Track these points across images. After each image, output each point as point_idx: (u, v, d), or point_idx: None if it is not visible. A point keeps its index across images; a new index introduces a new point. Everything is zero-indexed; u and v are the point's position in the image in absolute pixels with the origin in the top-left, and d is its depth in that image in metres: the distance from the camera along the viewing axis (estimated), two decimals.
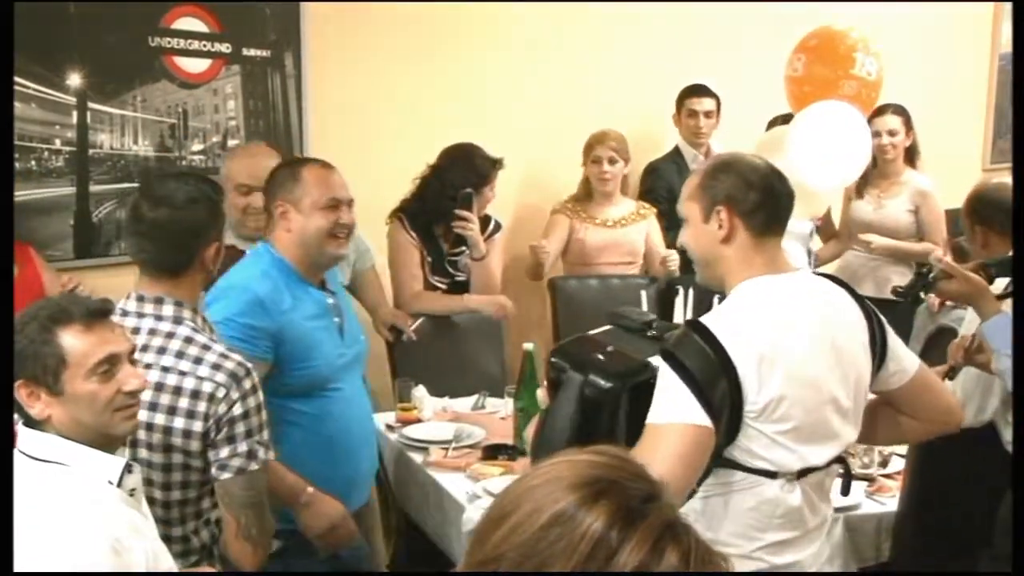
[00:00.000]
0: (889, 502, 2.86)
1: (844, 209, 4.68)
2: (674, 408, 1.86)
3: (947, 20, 5.45)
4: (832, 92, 4.03)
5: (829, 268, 4.74)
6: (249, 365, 2.17)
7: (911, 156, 4.51)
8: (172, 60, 3.91)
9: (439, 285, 3.88)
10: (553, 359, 2.05)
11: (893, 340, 2.11)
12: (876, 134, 4.42)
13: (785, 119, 4.52)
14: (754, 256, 2.02)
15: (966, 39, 5.59)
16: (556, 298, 4.22)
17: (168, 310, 2.19)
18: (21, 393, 1.77)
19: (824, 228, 4.81)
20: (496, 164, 3.89)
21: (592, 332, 2.16)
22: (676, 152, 4.72)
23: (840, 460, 2.07)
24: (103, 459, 1.78)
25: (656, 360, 1.94)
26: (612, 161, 4.24)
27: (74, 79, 3.73)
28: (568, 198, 4.38)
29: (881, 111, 4.42)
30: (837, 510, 2.78)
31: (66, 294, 2.27)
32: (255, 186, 3.09)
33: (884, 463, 3.02)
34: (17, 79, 3.48)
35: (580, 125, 4.39)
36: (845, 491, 2.17)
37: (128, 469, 1.79)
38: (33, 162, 3.68)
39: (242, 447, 2.13)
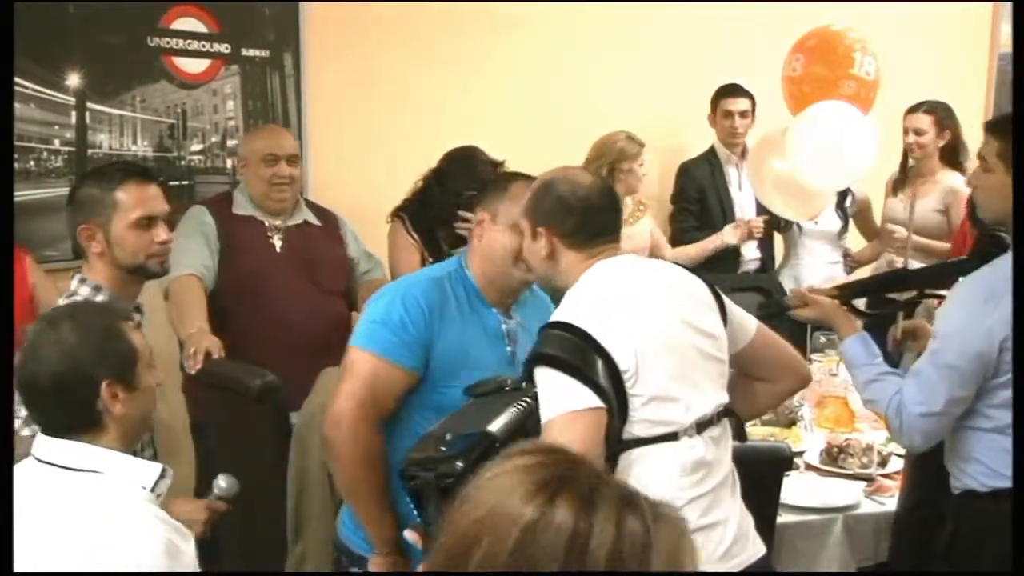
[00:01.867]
0: (888, 502, 2.86)
1: (884, 208, 4.64)
2: (561, 399, 1.93)
3: (946, 20, 5.45)
4: (831, 92, 4.03)
5: (867, 269, 4.71)
6: None
7: (950, 155, 4.39)
8: (171, 60, 3.92)
9: None
10: (405, 473, 1.99)
11: (729, 303, 2.21)
12: (905, 131, 4.40)
13: (925, 108, 4.44)
14: (581, 263, 2.11)
15: (965, 39, 5.59)
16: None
17: (73, 285, 2.33)
18: (107, 394, 1.75)
19: (865, 228, 4.79)
20: (498, 167, 3.89)
21: (438, 423, 2.11)
22: (711, 152, 4.72)
23: (728, 413, 2.14)
24: (140, 465, 1.79)
25: (498, 421, 1.97)
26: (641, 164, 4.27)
27: (73, 79, 3.73)
28: None
29: (915, 108, 4.37)
30: (836, 510, 2.80)
31: (77, 300, 2.27)
32: (281, 155, 3.35)
33: (883, 463, 3.02)
34: (16, 79, 3.48)
35: (582, 125, 4.39)
36: (740, 437, 2.22)
37: (163, 474, 1.78)
38: (32, 162, 3.68)
39: None
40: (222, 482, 2.18)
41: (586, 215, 2.10)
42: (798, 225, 4.65)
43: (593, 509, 1.07)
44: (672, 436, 2.00)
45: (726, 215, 4.62)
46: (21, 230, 3.17)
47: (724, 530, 2.04)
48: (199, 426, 3.37)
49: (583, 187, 2.14)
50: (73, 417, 1.76)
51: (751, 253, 4.64)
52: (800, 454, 3.10)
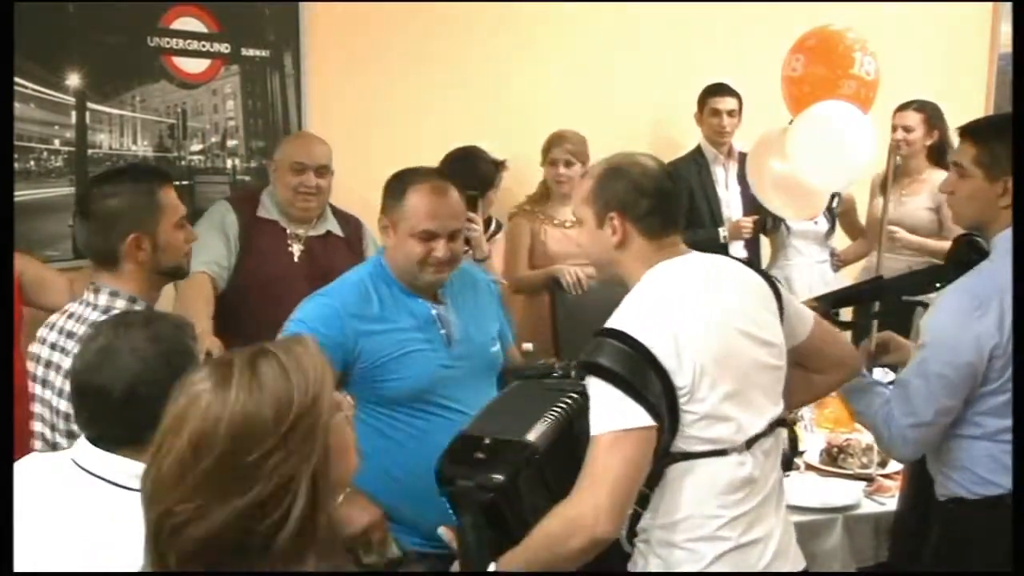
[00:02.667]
0: (888, 502, 2.86)
1: (868, 207, 4.65)
2: (612, 416, 1.85)
3: (947, 20, 5.45)
4: (832, 92, 4.03)
5: (855, 268, 4.73)
6: None
7: (938, 154, 4.43)
8: (171, 60, 3.92)
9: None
10: (442, 476, 1.98)
11: (787, 296, 2.16)
12: (893, 128, 4.41)
13: (915, 106, 4.46)
14: (650, 256, 2.03)
15: (965, 39, 5.59)
16: (555, 299, 4.22)
17: (102, 299, 2.24)
18: None
19: (850, 227, 4.80)
20: (499, 166, 3.90)
21: (475, 419, 2.10)
22: (698, 151, 4.72)
23: (781, 423, 2.09)
24: None
25: (537, 429, 1.94)
26: (568, 163, 4.24)
27: (73, 79, 3.73)
28: (526, 199, 4.37)
29: (903, 107, 4.39)
30: (836, 510, 2.80)
31: (150, 310, 2.24)
32: (309, 164, 3.40)
33: (883, 463, 3.02)
34: (16, 79, 3.48)
35: (583, 125, 4.39)
36: (792, 451, 2.26)
37: None
38: (32, 162, 3.68)
39: None
40: None
41: (659, 198, 2.03)
42: (786, 226, 4.66)
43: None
44: (721, 452, 1.95)
45: (713, 214, 4.63)
46: (21, 230, 3.18)
47: (764, 547, 2.00)
48: None
49: (653, 170, 2.08)
50: (134, 430, 1.63)
51: (738, 253, 4.65)
52: (800, 454, 3.10)
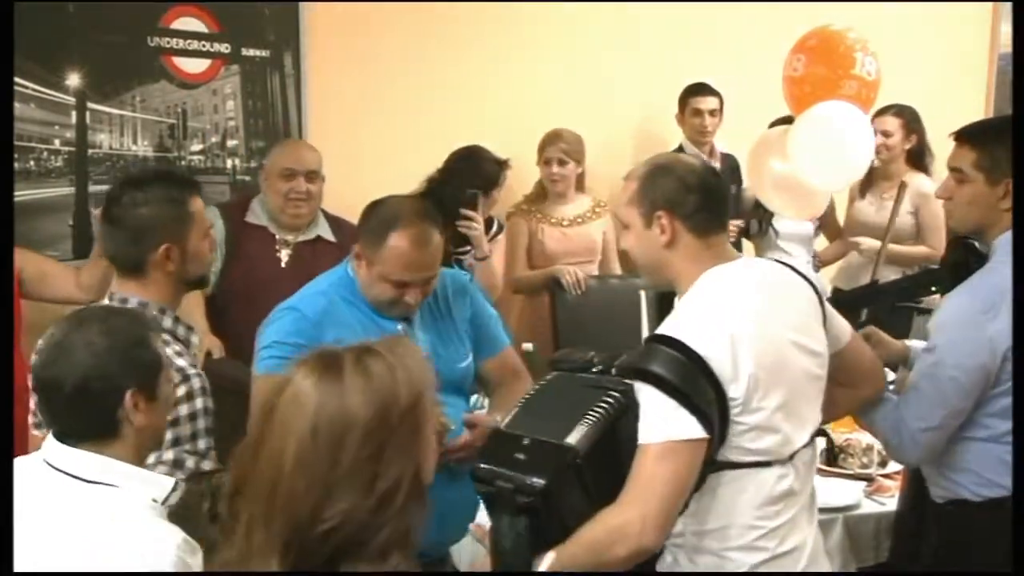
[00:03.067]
0: (888, 502, 2.86)
1: (848, 210, 4.67)
2: (663, 425, 1.82)
3: (946, 20, 5.45)
4: (833, 92, 4.02)
5: (832, 268, 4.74)
6: (192, 371, 2.10)
7: (915, 158, 4.47)
8: (171, 60, 3.92)
9: None
10: (479, 476, 1.96)
11: (829, 306, 2.14)
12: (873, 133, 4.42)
13: (787, 122, 4.52)
14: (700, 254, 2.00)
15: (965, 39, 5.59)
16: (555, 298, 4.22)
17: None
18: (130, 403, 1.69)
19: (828, 228, 4.81)
20: (503, 166, 3.91)
21: (513, 415, 2.06)
22: (680, 151, 4.72)
23: (820, 432, 2.09)
24: (153, 478, 1.75)
25: (578, 431, 1.90)
26: (561, 162, 4.25)
27: (73, 79, 3.73)
28: (524, 198, 4.38)
29: (882, 111, 4.41)
30: (836, 510, 2.80)
31: (107, 305, 2.20)
32: (299, 170, 3.40)
33: (883, 463, 3.02)
34: (16, 79, 3.48)
35: (584, 125, 4.39)
36: (830, 461, 2.20)
37: (175, 487, 1.75)
38: (32, 162, 3.68)
39: (167, 455, 2.03)
40: None
41: (706, 195, 2.00)
42: (774, 229, 4.67)
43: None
44: (765, 464, 1.93)
45: None
46: (21, 230, 3.18)
47: (799, 556, 1.99)
48: None
49: (698, 167, 2.06)
50: (92, 424, 1.70)
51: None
52: None
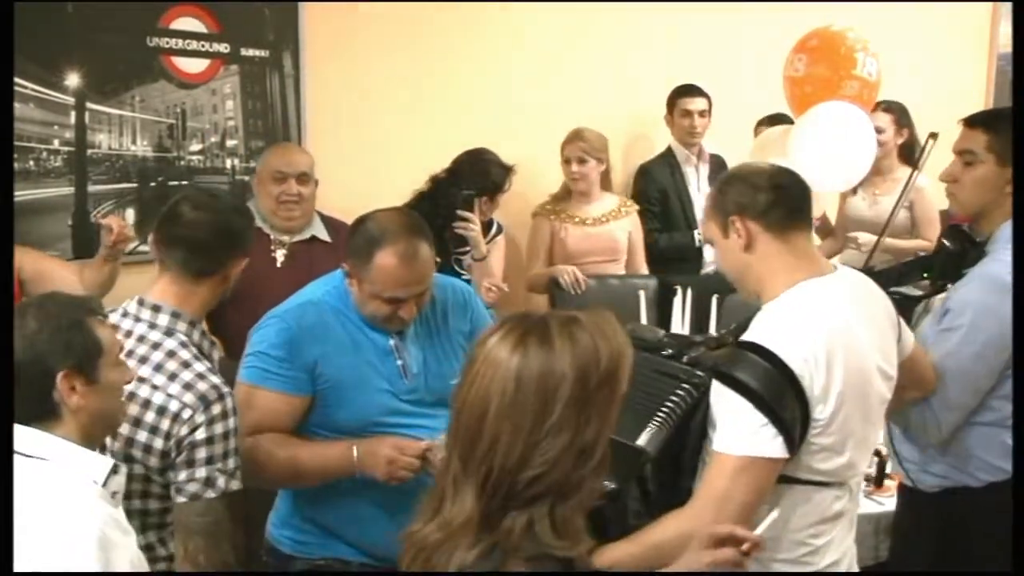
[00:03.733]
0: (888, 502, 2.85)
1: (840, 206, 4.67)
2: (747, 439, 1.80)
3: (946, 20, 5.45)
4: (834, 92, 4.02)
5: None
6: (225, 389, 2.10)
7: (907, 153, 4.48)
8: (170, 60, 3.91)
9: None
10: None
11: (900, 318, 2.14)
12: None
13: (772, 120, 4.52)
14: (783, 256, 1.97)
15: (965, 39, 5.59)
16: (555, 298, 4.22)
17: (163, 319, 2.16)
18: (63, 385, 1.74)
19: (821, 226, 4.82)
20: (509, 171, 3.92)
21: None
22: (669, 152, 4.73)
23: (875, 453, 2.11)
24: (90, 457, 1.77)
25: (649, 431, 1.89)
26: (581, 161, 4.26)
27: (72, 79, 3.72)
28: (549, 197, 4.40)
29: (873, 108, 4.42)
30: None
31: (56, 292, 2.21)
32: (290, 173, 3.42)
33: (883, 463, 3.01)
34: (16, 79, 3.48)
35: (582, 125, 4.39)
36: (879, 483, 2.24)
37: (114, 470, 1.76)
38: (32, 162, 3.68)
39: (200, 472, 2.04)
40: None
41: (776, 192, 1.98)
42: None
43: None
44: (824, 484, 1.93)
45: (687, 216, 4.62)
46: (21, 230, 3.18)
47: (839, 567, 2.00)
48: None
49: (766, 168, 2.06)
50: (32, 406, 1.74)
51: (713, 255, 4.65)
52: None
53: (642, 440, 1.87)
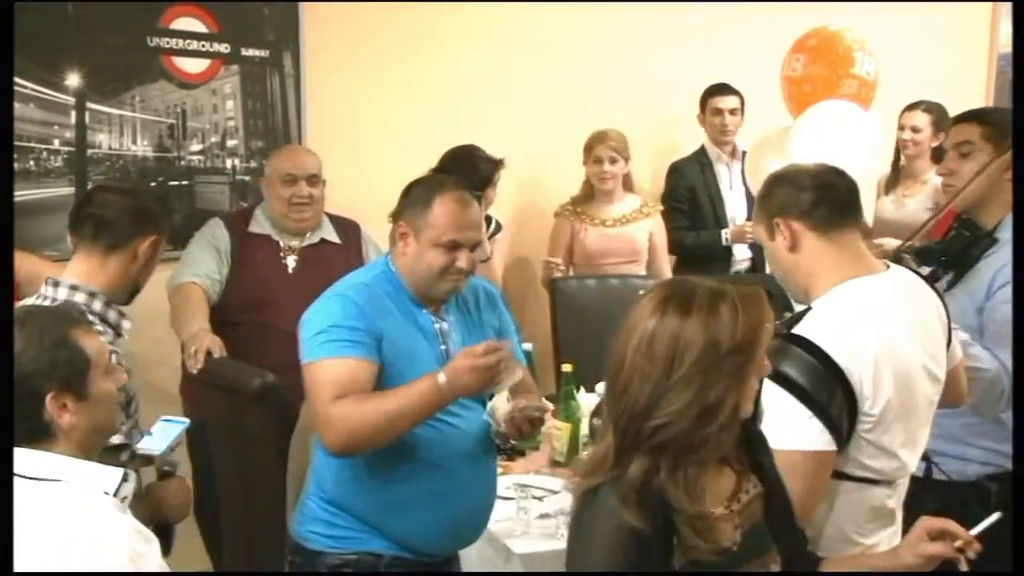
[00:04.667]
0: None
1: (875, 207, 4.65)
2: (797, 434, 1.80)
3: (946, 20, 5.45)
4: (832, 91, 4.03)
5: None
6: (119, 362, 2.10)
7: (940, 158, 4.45)
8: (171, 60, 3.91)
9: None
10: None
11: (954, 329, 2.13)
12: (901, 128, 4.40)
13: (923, 107, 4.44)
14: (830, 255, 1.97)
15: (965, 39, 5.58)
16: (555, 299, 4.22)
17: (61, 292, 2.24)
18: (52, 406, 1.69)
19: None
20: (498, 165, 3.90)
21: None
22: (701, 152, 4.72)
23: (923, 456, 2.08)
24: (100, 470, 1.74)
25: None
26: (612, 160, 4.25)
27: (73, 79, 3.72)
28: (570, 199, 4.40)
29: (913, 106, 4.39)
30: None
31: (33, 304, 2.21)
32: (299, 175, 3.42)
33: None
34: (16, 79, 3.48)
35: (582, 125, 4.39)
36: (928, 481, 2.22)
37: (124, 478, 1.75)
38: (32, 162, 3.68)
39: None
40: (168, 458, 2.22)
41: (820, 191, 1.98)
42: None
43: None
44: (873, 482, 1.92)
45: (717, 215, 4.63)
46: (21, 230, 3.17)
47: None
48: (197, 425, 3.36)
49: (810, 168, 2.06)
50: (26, 428, 1.70)
51: (742, 253, 4.65)
52: None
53: None
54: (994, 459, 2.46)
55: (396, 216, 2.41)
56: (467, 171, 3.79)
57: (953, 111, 4.42)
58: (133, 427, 2.24)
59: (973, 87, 5.61)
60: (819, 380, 1.80)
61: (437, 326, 2.40)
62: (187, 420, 2.29)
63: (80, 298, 2.24)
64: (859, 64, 4.05)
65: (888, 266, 2.07)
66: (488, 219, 3.97)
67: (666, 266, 4.45)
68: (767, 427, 1.81)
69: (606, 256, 4.30)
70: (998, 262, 2.42)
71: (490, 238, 3.94)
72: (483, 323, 2.51)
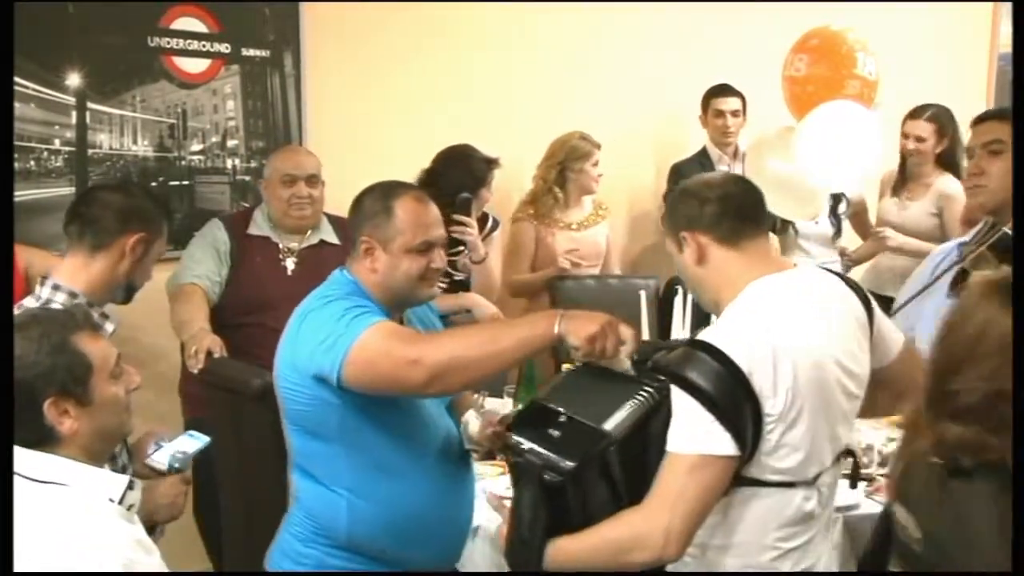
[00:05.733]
0: None
1: (879, 207, 4.65)
2: (697, 437, 1.81)
3: (947, 20, 5.45)
4: (836, 92, 4.02)
5: (862, 268, 4.72)
6: None
7: (947, 160, 4.41)
8: (171, 60, 3.91)
9: (439, 285, 3.89)
10: (511, 438, 1.95)
11: (880, 316, 2.10)
12: (905, 136, 4.40)
13: (928, 116, 4.43)
14: (737, 263, 1.98)
15: (966, 39, 5.58)
16: (555, 298, 4.22)
17: (44, 292, 2.24)
18: (51, 412, 1.69)
19: (861, 228, 4.80)
20: (492, 164, 3.90)
21: (552, 386, 2.05)
22: (703, 153, 4.73)
23: (848, 452, 2.06)
24: (106, 476, 1.74)
25: (616, 418, 1.89)
26: (596, 164, 4.29)
27: (73, 79, 3.72)
28: (525, 202, 4.35)
29: (916, 113, 4.38)
30: (837, 510, 2.79)
31: (39, 308, 2.20)
32: (299, 175, 3.44)
33: (884, 463, 3.01)
34: (16, 79, 3.48)
35: (580, 126, 4.39)
36: (853, 484, 2.21)
37: (130, 486, 1.74)
38: (32, 162, 3.68)
39: None
40: (178, 454, 2.23)
41: (723, 202, 1.98)
42: (794, 228, 4.66)
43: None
44: (790, 484, 1.91)
45: None
46: (21, 230, 3.18)
47: (812, 571, 1.99)
48: (196, 425, 3.37)
49: (714, 179, 2.08)
50: (29, 433, 1.70)
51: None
52: None
53: (608, 425, 1.88)
54: None
55: (355, 232, 2.28)
56: (462, 172, 3.80)
57: (953, 111, 4.44)
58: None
59: (973, 87, 5.62)
60: (722, 385, 1.81)
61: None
62: (208, 439, 2.29)
63: (60, 298, 2.23)
64: (861, 64, 4.04)
65: (794, 265, 2.07)
66: (485, 216, 3.96)
67: (617, 267, 4.49)
68: (672, 430, 1.83)
69: (572, 258, 4.28)
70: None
71: (487, 236, 3.93)
72: (435, 326, 2.50)
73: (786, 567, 1.94)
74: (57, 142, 3.73)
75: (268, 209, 3.51)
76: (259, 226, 3.50)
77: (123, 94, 3.84)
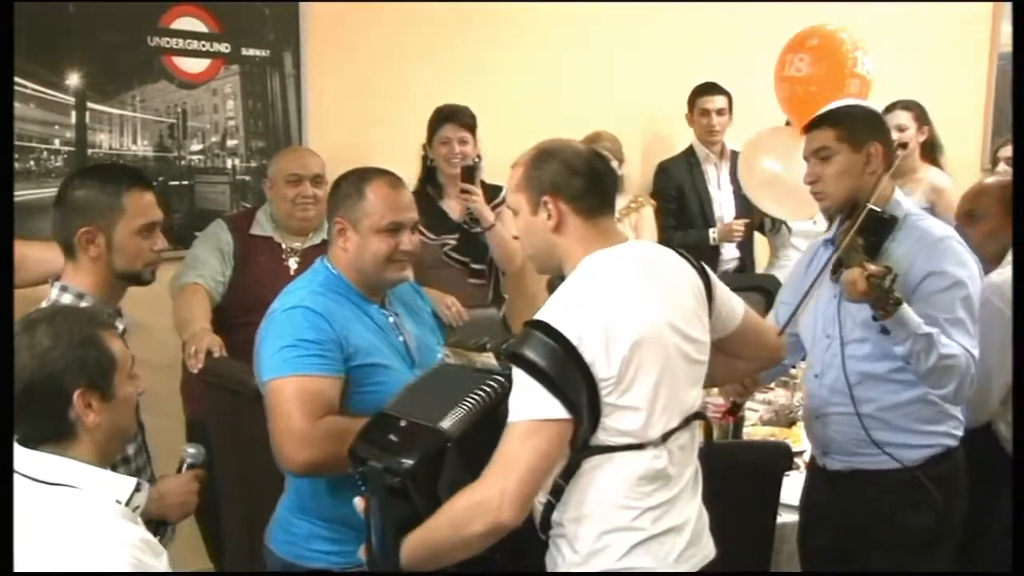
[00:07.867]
0: None
1: None
2: (529, 405, 1.87)
3: (947, 20, 5.45)
4: (839, 91, 4.01)
5: None
6: None
7: (930, 152, 4.45)
8: (171, 60, 3.91)
9: (457, 261, 3.97)
10: (354, 453, 1.99)
11: (719, 286, 2.16)
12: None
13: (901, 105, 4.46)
14: (588, 238, 2.02)
15: (966, 39, 5.59)
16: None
17: (53, 292, 2.25)
18: (80, 403, 1.70)
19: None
20: (442, 112, 3.95)
21: (396, 397, 2.09)
22: (690, 151, 4.74)
23: (698, 416, 2.09)
24: (112, 478, 1.75)
25: (454, 415, 1.93)
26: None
27: (73, 79, 3.72)
28: None
29: (891, 107, 4.40)
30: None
31: (62, 304, 2.20)
32: (304, 175, 3.48)
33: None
34: (16, 79, 3.48)
35: (584, 125, 4.39)
36: (736, 435, 2.37)
37: (137, 488, 1.74)
38: (32, 162, 3.68)
39: None
40: (190, 449, 2.26)
41: (591, 178, 2.03)
42: (787, 227, 4.67)
43: None
44: (638, 446, 1.95)
45: (705, 214, 4.64)
46: (21, 230, 3.17)
47: (678, 536, 2.00)
48: (196, 425, 3.37)
49: (583, 152, 2.09)
50: (45, 426, 1.71)
51: (730, 253, 4.67)
52: (800, 454, 3.09)
53: (445, 423, 1.92)
54: (936, 440, 2.57)
55: (330, 214, 2.38)
56: (432, 128, 3.92)
57: (954, 110, 4.46)
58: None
59: (973, 87, 5.62)
60: (553, 357, 1.86)
61: (391, 319, 2.40)
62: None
63: (67, 299, 2.22)
64: (860, 63, 4.05)
65: (626, 239, 2.12)
66: (496, 189, 3.94)
67: None
68: (510, 404, 1.89)
69: None
70: (905, 250, 2.52)
71: (496, 207, 3.93)
72: (421, 310, 2.55)
73: (646, 526, 1.96)
74: (57, 142, 3.73)
75: (272, 209, 3.53)
76: (262, 226, 3.51)
77: (123, 94, 3.84)
